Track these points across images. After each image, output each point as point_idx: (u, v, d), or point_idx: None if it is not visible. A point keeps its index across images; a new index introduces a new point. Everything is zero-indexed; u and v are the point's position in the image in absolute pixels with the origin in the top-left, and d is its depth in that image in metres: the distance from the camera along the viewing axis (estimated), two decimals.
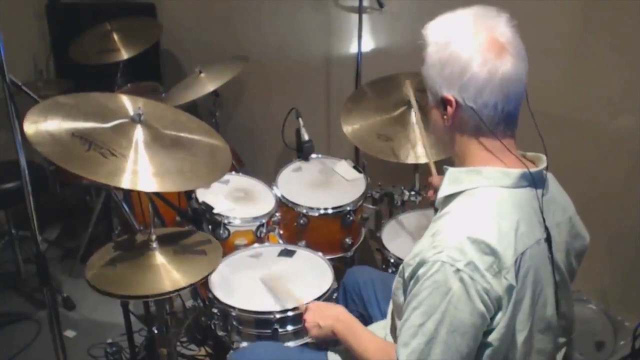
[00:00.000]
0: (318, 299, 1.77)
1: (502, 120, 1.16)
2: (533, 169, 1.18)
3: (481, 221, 1.11)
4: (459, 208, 1.16)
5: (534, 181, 1.18)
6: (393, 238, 2.19)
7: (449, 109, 1.17)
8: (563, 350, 1.32)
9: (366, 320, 1.77)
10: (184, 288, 1.57)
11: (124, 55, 2.92)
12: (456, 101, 1.15)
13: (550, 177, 1.23)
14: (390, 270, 2.08)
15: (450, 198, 1.20)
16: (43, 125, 1.47)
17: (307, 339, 1.77)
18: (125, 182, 1.45)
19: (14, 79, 1.72)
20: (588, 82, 2.28)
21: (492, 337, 1.11)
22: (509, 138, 1.19)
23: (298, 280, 1.89)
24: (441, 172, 1.27)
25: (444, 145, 1.27)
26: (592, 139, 2.36)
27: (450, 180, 1.22)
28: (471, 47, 1.13)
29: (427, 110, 1.27)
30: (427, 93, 1.23)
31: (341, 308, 1.56)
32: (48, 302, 1.86)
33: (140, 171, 1.49)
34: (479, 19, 1.15)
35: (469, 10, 1.18)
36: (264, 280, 1.86)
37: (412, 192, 2.36)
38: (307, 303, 1.69)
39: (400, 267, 1.21)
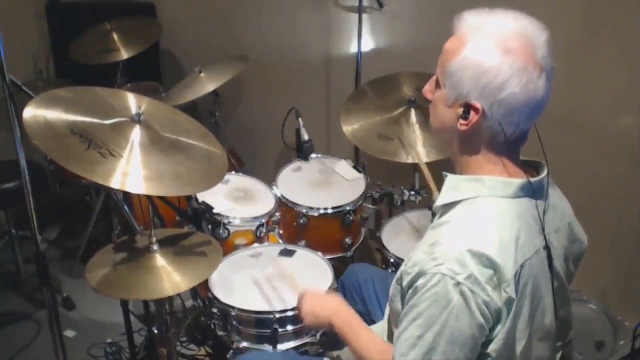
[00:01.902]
0: None
1: (519, 137, 1.16)
2: (535, 179, 1.18)
3: (482, 233, 1.10)
4: (460, 218, 1.15)
5: (535, 191, 1.17)
6: (393, 238, 2.19)
7: (473, 116, 1.12)
8: (560, 352, 1.32)
9: (366, 318, 1.77)
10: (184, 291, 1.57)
11: (124, 55, 2.92)
12: (483, 111, 1.11)
13: (550, 182, 1.22)
14: (390, 270, 2.08)
15: (449, 206, 1.18)
16: (42, 117, 1.46)
17: (306, 340, 1.78)
18: (115, 183, 1.42)
19: (14, 79, 1.72)
20: (588, 82, 2.28)
21: (491, 349, 1.11)
22: (517, 151, 1.19)
23: (298, 280, 1.89)
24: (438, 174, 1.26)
25: (445, 144, 1.24)
26: (593, 139, 2.36)
27: (450, 188, 1.20)
28: (514, 67, 1.08)
29: (433, 104, 1.22)
30: (442, 88, 1.17)
31: (340, 301, 1.50)
32: (48, 302, 1.86)
33: (131, 173, 1.46)
34: (525, 39, 1.10)
35: (515, 23, 1.11)
36: (251, 283, 1.85)
37: (412, 192, 2.36)
38: (296, 309, 1.67)
39: (398, 274, 1.19)
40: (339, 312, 1.45)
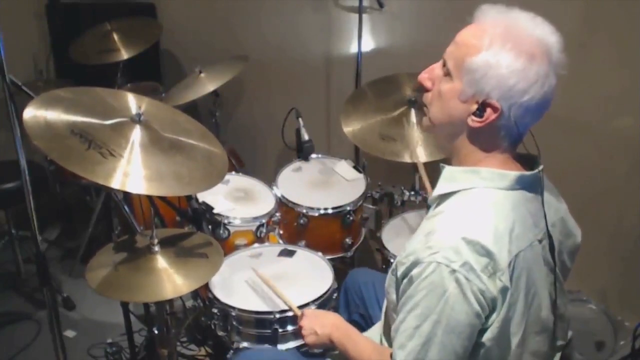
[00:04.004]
0: (318, 299, 1.78)
1: (523, 135, 1.17)
2: (530, 172, 1.18)
3: (477, 222, 1.11)
4: (454, 208, 1.16)
5: (530, 184, 1.18)
6: (393, 238, 2.19)
7: (490, 114, 1.12)
8: (560, 352, 1.32)
9: (367, 320, 1.77)
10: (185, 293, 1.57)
11: (124, 55, 2.92)
12: (501, 111, 1.11)
13: (544, 178, 1.23)
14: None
15: (445, 197, 1.19)
16: (42, 118, 1.46)
17: None
18: (116, 183, 1.42)
19: (14, 79, 1.72)
20: (588, 82, 2.28)
21: (486, 337, 1.11)
22: (516, 146, 1.20)
23: (298, 280, 1.89)
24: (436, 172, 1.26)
25: (443, 139, 1.23)
26: (592, 138, 2.37)
27: (446, 179, 1.21)
28: (540, 74, 1.09)
29: (438, 95, 1.19)
30: (454, 80, 1.15)
31: (337, 316, 1.55)
32: (48, 302, 1.86)
33: (131, 173, 1.45)
34: (545, 45, 1.12)
35: (537, 29, 1.13)
36: (250, 283, 1.85)
37: (412, 192, 2.35)
38: (300, 306, 1.69)
39: (393, 265, 1.20)
40: (337, 326, 1.49)
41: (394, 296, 1.20)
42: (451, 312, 1.07)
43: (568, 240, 1.30)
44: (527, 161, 1.24)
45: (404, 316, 1.12)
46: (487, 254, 1.08)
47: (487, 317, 1.10)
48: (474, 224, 1.11)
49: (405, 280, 1.13)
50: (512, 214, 1.13)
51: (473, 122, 1.14)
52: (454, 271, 1.06)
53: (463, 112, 1.15)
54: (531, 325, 1.18)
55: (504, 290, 1.09)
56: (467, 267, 1.06)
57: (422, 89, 1.24)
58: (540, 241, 1.18)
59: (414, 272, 1.10)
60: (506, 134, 1.15)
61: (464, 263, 1.06)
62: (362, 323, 1.78)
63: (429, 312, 1.08)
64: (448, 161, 1.25)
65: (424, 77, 1.22)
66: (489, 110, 1.12)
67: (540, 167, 1.20)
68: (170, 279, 1.58)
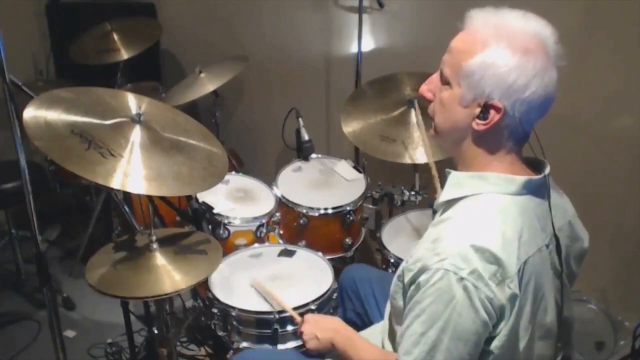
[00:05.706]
0: (318, 299, 1.77)
1: (527, 134, 1.16)
2: (537, 176, 1.18)
3: (485, 229, 1.10)
4: (462, 214, 1.15)
5: (537, 188, 1.17)
6: (393, 238, 2.19)
7: (494, 116, 1.12)
8: (562, 353, 1.32)
9: (363, 318, 1.77)
10: (184, 289, 1.57)
11: (124, 55, 2.92)
12: (505, 110, 1.11)
13: (550, 181, 1.22)
14: (390, 270, 2.08)
15: (451, 202, 1.18)
16: (42, 118, 1.46)
17: None
18: (115, 183, 1.42)
19: (14, 79, 1.72)
20: (588, 81, 2.28)
21: (494, 345, 1.11)
22: (522, 148, 1.20)
23: (298, 280, 1.89)
24: (442, 173, 1.25)
25: (449, 145, 1.23)
26: (592, 138, 2.37)
27: (453, 185, 1.20)
28: (537, 67, 1.09)
29: (440, 104, 1.20)
30: (454, 87, 1.15)
31: (339, 320, 1.55)
32: (48, 302, 1.86)
33: (131, 173, 1.46)
34: (539, 38, 1.11)
35: (528, 23, 1.12)
36: (254, 284, 1.85)
37: (412, 192, 2.35)
38: (301, 307, 1.70)
39: (399, 271, 1.19)
40: (338, 330, 1.49)
41: (400, 302, 1.19)
42: (458, 319, 1.06)
43: (575, 244, 1.29)
44: (533, 164, 1.23)
45: (410, 322, 1.11)
46: (496, 261, 1.07)
47: (495, 326, 1.09)
48: (482, 231, 1.10)
49: (412, 287, 1.12)
50: (520, 220, 1.13)
51: (478, 125, 1.14)
52: (462, 279, 1.05)
53: (466, 117, 1.15)
54: (537, 330, 1.18)
55: (512, 298, 1.08)
56: (475, 275, 1.05)
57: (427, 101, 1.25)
58: (547, 246, 1.17)
59: (422, 278, 1.09)
60: (510, 133, 1.14)
61: (472, 271, 1.06)
62: (358, 322, 1.78)
63: (436, 319, 1.07)
64: (454, 166, 1.24)
65: (424, 89, 1.23)
66: (492, 111, 1.12)
67: (547, 171, 1.20)
68: (169, 275, 1.58)
